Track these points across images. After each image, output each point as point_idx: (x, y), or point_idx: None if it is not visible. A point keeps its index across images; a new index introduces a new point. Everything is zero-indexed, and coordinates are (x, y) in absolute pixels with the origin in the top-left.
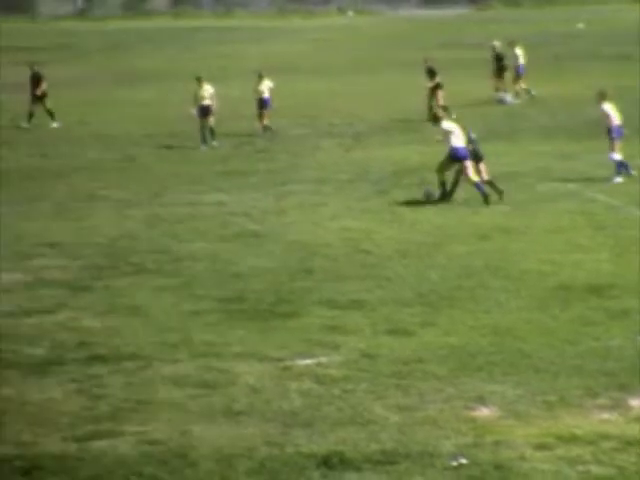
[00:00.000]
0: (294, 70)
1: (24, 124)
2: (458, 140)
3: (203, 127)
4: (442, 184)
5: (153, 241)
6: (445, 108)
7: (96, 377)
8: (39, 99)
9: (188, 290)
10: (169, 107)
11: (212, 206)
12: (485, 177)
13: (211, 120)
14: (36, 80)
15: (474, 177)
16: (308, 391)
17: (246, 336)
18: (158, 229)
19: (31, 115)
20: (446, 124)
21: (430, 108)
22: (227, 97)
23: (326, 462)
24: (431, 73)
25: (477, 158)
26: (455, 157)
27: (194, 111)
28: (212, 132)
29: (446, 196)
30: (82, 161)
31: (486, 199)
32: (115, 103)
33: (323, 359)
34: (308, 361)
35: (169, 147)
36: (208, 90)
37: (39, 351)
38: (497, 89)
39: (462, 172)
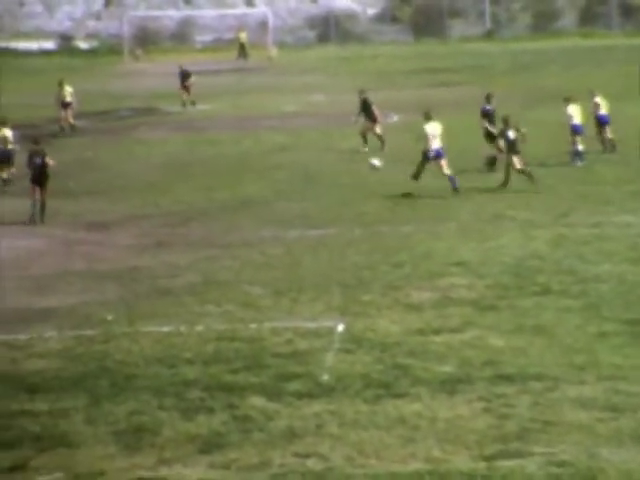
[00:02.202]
0: None
1: (364, 148)
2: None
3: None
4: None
5: (558, 262)
6: None
7: (503, 396)
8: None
9: (594, 312)
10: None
11: (619, 227)
12: (518, 166)
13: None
14: (367, 105)
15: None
16: None
17: None
18: (563, 250)
19: (380, 139)
20: (428, 127)
21: None
22: (630, 117)
23: None
24: None
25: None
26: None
27: None
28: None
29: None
30: (488, 182)
31: (455, 190)
32: (524, 123)
33: None
34: None
35: (574, 167)
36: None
37: (447, 368)
38: None
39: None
